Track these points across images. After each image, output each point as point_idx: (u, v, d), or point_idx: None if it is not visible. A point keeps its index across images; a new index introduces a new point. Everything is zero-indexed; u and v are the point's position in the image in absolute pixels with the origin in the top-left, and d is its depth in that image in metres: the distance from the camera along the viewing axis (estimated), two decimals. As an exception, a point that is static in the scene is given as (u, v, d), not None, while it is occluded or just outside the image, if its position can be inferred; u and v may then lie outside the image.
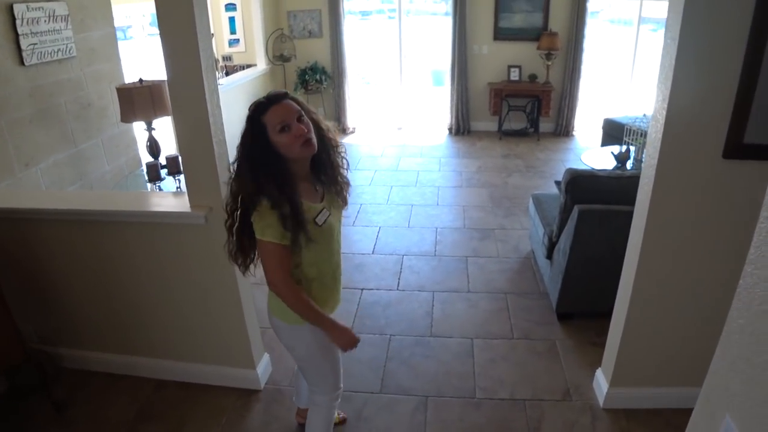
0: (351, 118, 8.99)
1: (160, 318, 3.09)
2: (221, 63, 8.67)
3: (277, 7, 8.74)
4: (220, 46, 8.80)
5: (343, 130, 8.96)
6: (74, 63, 4.48)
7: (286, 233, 1.84)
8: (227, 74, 7.86)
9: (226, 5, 8.54)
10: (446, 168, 7.08)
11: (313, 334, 2.05)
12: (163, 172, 4.38)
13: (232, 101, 6.81)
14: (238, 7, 8.52)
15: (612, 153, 5.32)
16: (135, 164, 5.37)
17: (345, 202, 2.16)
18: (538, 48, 8.06)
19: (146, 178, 4.36)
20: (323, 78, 8.78)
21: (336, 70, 8.73)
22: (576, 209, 3.31)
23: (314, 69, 8.76)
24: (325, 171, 2.03)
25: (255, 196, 1.83)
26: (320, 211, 1.96)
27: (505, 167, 7.05)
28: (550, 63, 8.07)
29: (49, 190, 4.10)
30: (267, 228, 1.83)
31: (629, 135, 5.47)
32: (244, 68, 8.47)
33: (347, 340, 2.05)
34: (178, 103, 2.52)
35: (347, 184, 2.14)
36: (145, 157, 4.70)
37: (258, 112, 1.84)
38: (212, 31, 8.86)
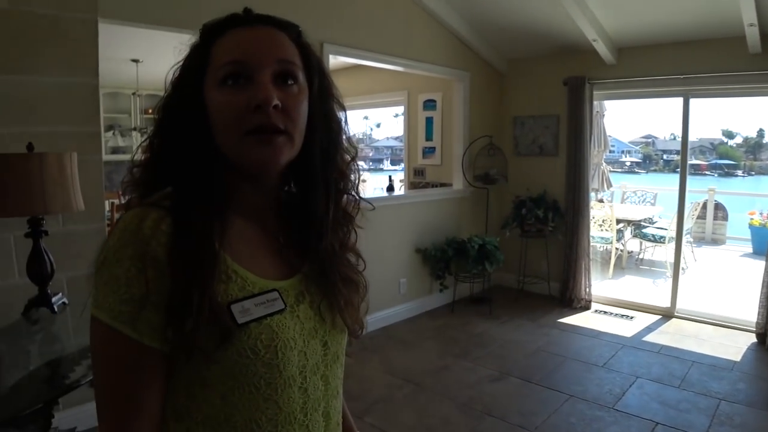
0: (585, 287, 5.60)
1: None
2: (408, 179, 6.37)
3: (499, 109, 6.11)
4: (414, 156, 6.47)
5: (569, 302, 5.60)
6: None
7: (146, 311, 0.75)
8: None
9: (425, 102, 6.24)
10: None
11: None
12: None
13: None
14: (438, 105, 6.12)
15: None
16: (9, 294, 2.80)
17: (350, 327, 0.98)
18: None
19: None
20: (551, 216, 5.70)
21: (571, 207, 5.59)
22: None
23: (539, 201, 5.76)
24: (318, 230, 0.93)
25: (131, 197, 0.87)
26: (262, 294, 0.83)
27: None
28: None
29: None
30: (107, 287, 0.76)
31: None
32: (436, 187, 5.95)
33: None
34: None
35: (362, 284, 1.00)
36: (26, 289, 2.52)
37: (208, 33, 0.87)
38: (405, 135, 6.78)
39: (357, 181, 0.99)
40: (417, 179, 6.40)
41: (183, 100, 0.84)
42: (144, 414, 0.78)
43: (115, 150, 7.67)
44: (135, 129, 7.43)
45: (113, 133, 7.52)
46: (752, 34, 4.27)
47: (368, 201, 1.02)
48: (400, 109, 6.68)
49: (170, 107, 0.86)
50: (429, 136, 6.25)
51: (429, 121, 6.23)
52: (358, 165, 0.99)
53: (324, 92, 0.91)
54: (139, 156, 0.88)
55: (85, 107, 3.07)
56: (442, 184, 6.03)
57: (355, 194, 0.99)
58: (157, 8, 3.36)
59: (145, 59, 6.26)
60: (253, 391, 0.81)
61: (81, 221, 3.02)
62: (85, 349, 2.40)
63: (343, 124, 0.96)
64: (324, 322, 0.91)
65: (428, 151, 6.30)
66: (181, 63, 0.87)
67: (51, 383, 2.18)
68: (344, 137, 0.96)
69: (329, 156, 0.92)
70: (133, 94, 7.18)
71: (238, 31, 0.83)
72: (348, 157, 0.96)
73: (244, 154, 0.82)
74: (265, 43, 0.83)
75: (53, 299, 2.52)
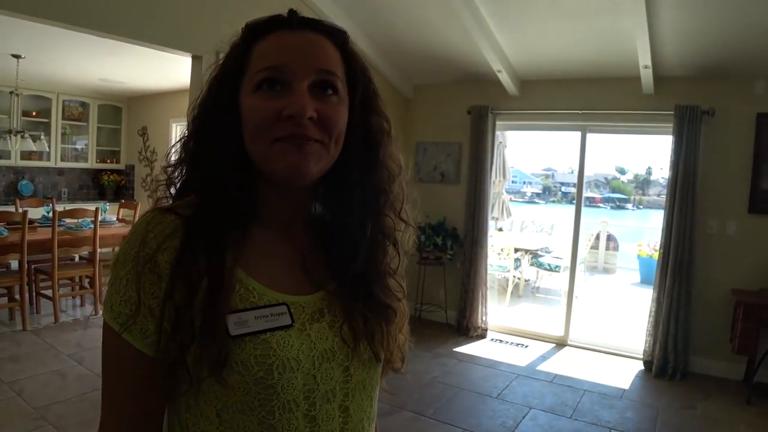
0: (482, 315, 5.58)
1: None
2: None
3: (402, 134, 6.05)
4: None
5: (466, 331, 5.56)
6: None
7: (141, 316, 0.75)
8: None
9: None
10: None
11: None
12: None
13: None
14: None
15: None
16: None
17: (384, 359, 0.91)
18: None
19: None
20: (450, 244, 5.67)
21: (470, 235, 5.58)
22: None
23: (438, 228, 5.73)
24: (353, 249, 0.87)
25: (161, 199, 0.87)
26: (267, 308, 0.78)
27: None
28: None
29: None
30: (112, 287, 0.76)
31: None
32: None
33: None
34: None
35: (400, 311, 0.92)
36: None
37: (250, 34, 0.83)
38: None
39: (402, 201, 0.92)
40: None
41: (217, 103, 0.81)
42: (136, 419, 0.76)
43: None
44: (12, 132, 6.74)
45: (-19, 136, 6.80)
46: (646, 76, 4.46)
47: (411, 224, 0.95)
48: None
49: (204, 109, 0.83)
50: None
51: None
52: (402, 183, 0.92)
53: (367, 104, 0.86)
54: (174, 158, 0.85)
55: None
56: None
57: (397, 215, 0.92)
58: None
59: (27, 55, 5.74)
60: (246, 411, 0.75)
61: None
62: None
63: (386, 138, 0.89)
64: (346, 346, 0.83)
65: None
66: (220, 62, 0.84)
67: None
68: (389, 154, 0.89)
69: (369, 172, 0.87)
70: (12, 92, 6.54)
71: (281, 35, 0.80)
72: (391, 175, 0.90)
73: (271, 160, 0.77)
74: (307, 50, 0.79)
75: None
